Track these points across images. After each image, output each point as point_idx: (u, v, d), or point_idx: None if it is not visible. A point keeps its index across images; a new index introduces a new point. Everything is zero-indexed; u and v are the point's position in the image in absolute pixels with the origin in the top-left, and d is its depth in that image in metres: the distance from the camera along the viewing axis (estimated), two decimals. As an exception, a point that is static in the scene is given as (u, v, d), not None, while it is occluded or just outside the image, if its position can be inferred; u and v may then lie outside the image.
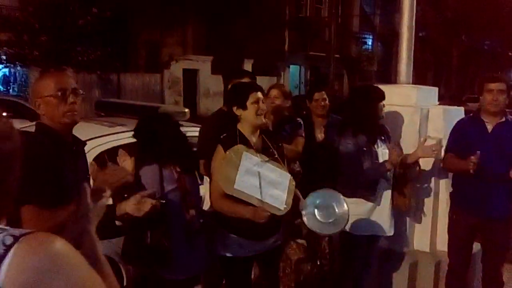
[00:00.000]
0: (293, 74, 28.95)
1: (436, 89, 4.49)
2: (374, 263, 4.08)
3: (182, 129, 5.02)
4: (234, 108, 3.16)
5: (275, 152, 3.19)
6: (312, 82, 28.20)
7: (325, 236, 4.02)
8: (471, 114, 3.95)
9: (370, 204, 3.74)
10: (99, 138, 4.25)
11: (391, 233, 3.89)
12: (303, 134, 4.32)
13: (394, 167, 3.67)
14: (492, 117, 3.76)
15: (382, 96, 3.74)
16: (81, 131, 4.64)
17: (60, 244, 1.17)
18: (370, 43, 30.77)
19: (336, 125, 4.69)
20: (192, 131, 5.27)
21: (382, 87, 4.16)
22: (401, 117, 4.15)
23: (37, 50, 15.20)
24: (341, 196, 3.33)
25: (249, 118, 3.12)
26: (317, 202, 3.28)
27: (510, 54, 36.48)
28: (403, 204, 3.84)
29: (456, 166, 3.81)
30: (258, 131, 3.20)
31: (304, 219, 3.26)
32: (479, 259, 4.13)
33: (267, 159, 3.10)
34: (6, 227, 1.19)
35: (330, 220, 3.26)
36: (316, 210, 3.26)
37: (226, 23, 20.61)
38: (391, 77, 27.50)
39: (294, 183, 3.14)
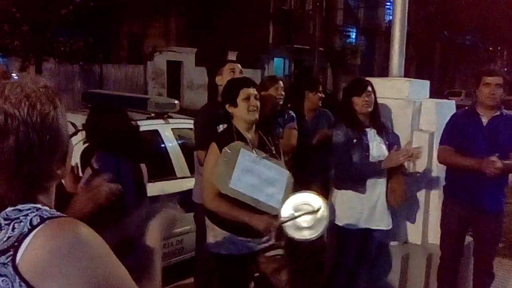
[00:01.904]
0: (277, 67, 28.91)
1: (428, 83, 4.49)
2: (369, 258, 4.05)
3: (171, 120, 5.01)
4: (227, 106, 3.10)
5: (272, 148, 3.14)
6: (296, 75, 28.19)
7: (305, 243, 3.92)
8: (466, 108, 3.96)
9: (361, 196, 3.71)
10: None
11: (388, 227, 3.85)
12: (296, 127, 4.29)
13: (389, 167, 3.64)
14: (487, 111, 3.78)
15: (360, 89, 3.70)
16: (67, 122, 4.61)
17: (83, 232, 1.16)
18: (354, 37, 30.86)
19: (323, 117, 4.70)
20: (181, 123, 5.24)
21: (374, 80, 4.15)
22: (393, 110, 4.14)
23: (18, 40, 14.91)
24: (319, 198, 3.12)
25: (241, 115, 3.05)
26: (295, 206, 3.07)
27: (491, 49, 36.93)
28: (394, 201, 3.81)
29: (459, 162, 3.79)
30: (254, 127, 3.13)
31: (283, 226, 3.05)
32: (470, 252, 4.17)
33: (264, 155, 3.05)
34: (41, 207, 1.20)
35: (310, 225, 3.06)
36: (295, 215, 3.05)
37: (210, 15, 20.46)
38: (374, 71, 27.64)
39: (292, 180, 3.09)
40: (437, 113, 4.19)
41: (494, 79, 3.69)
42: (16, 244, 1.14)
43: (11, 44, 14.85)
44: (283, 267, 3.17)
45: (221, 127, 3.23)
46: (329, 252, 4.26)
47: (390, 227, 3.87)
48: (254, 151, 3.01)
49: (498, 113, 3.79)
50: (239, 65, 3.90)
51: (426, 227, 4.26)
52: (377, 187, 3.74)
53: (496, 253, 4.07)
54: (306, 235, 3.07)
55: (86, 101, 5.27)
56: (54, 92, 1.25)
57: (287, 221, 3.01)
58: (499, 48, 37.44)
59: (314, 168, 4.41)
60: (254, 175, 2.97)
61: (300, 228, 3.05)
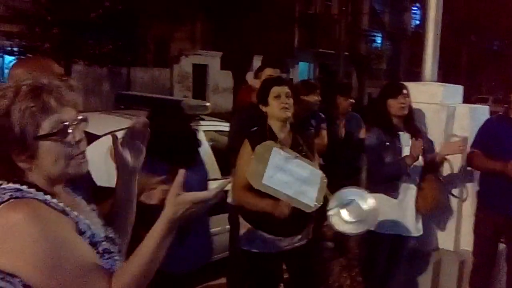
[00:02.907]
0: (302, 71, 28.89)
1: (461, 87, 4.46)
2: (401, 264, 4.02)
3: (201, 123, 5.06)
4: (260, 105, 3.17)
5: (305, 148, 3.16)
6: (321, 79, 28.16)
7: (352, 236, 3.96)
8: (500, 113, 3.93)
9: (393, 201, 3.67)
10: (123, 130, 4.25)
11: (419, 233, 3.82)
12: (326, 128, 4.35)
13: (415, 161, 3.62)
14: None
15: (397, 91, 3.70)
16: (103, 123, 4.68)
17: (29, 214, 1.27)
18: (379, 41, 30.67)
19: (353, 121, 4.72)
20: (212, 125, 5.29)
21: (407, 84, 4.14)
22: (427, 115, 4.12)
23: (48, 42, 15.20)
24: (368, 194, 3.22)
25: (273, 113, 3.10)
26: (343, 201, 3.16)
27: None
28: (424, 207, 3.77)
29: (488, 165, 3.76)
30: (288, 126, 3.17)
31: (330, 219, 3.15)
32: (502, 258, 4.11)
33: (297, 155, 3.07)
34: (24, 189, 1.34)
35: (357, 220, 3.14)
36: (342, 210, 3.15)
37: (236, 19, 20.55)
38: (399, 75, 27.42)
39: (326, 180, 3.11)
40: (471, 118, 4.16)
41: None
42: None
43: (42, 47, 15.14)
44: (330, 259, 3.25)
45: (254, 129, 3.25)
46: (361, 256, 4.25)
47: (421, 233, 3.84)
48: (286, 150, 3.04)
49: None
50: (278, 70, 3.91)
51: (458, 233, 4.22)
52: (409, 193, 3.71)
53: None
54: (352, 229, 3.12)
55: (119, 103, 5.36)
56: (20, 91, 1.33)
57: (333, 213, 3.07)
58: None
59: (345, 171, 4.43)
60: (286, 173, 2.99)
61: (346, 222, 3.10)
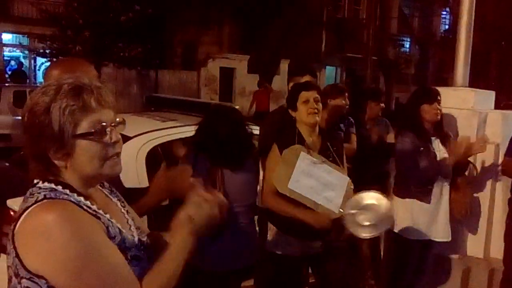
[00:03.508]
0: (329, 75, 28.79)
1: (493, 93, 4.41)
2: (428, 270, 3.99)
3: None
4: (290, 110, 3.21)
5: (334, 153, 3.17)
6: (348, 84, 27.98)
7: (366, 239, 3.93)
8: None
9: (425, 206, 3.66)
10: (153, 132, 4.31)
11: (448, 239, 3.79)
12: (355, 132, 4.34)
13: (456, 162, 3.59)
14: None
15: (432, 96, 3.68)
16: (134, 125, 4.76)
17: (62, 215, 1.27)
18: (407, 46, 30.41)
19: (383, 126, 4.69)
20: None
21: (440, 89, 4.11)
22: (459, 120, 4.08)
23: (79, 45, 15.49)
24: (384, 198, 3.13)
25: (301, 118, 3.13)
26: (358, 204, 3.09)
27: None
28: (459, 212, 3.75)
29: None
30: (317, 131, 3.18)
31: (345, 221, 3.09)
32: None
33: (324, 160, 3.08)
34: (58, 189, 1.35)
35: (371, 223, 3.07)
36: (357, 213, 3.07)
37: (263, 23, 20.61)
38: (427, 81, 27.09)
39: (352, 186, 3.11)
40: (503, 124, 4.11)
41: None
42: (19, 215, 1.30)
43: (73, 49, 15.44)
44: (344, 261, 3.24)
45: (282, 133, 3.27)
46: (388, 261, 4.23)
47: (450, 239, 3.81)
48: (313, 155, 3.05)
49: None
50: (315, 80, 3.91)
51: (489, 240, 4.17)
52: (442, 198, 3.69)
53: None
54: (366, 232, 3.09)
55: (149, 105, 5.43)
56: (61, 90, 1.34)
57: (348, 216, 3.04)
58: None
59: (373, 176, 4.41)
60: (313, 178, 3.01)
61: (361, 226, 3.07)
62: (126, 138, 4.16)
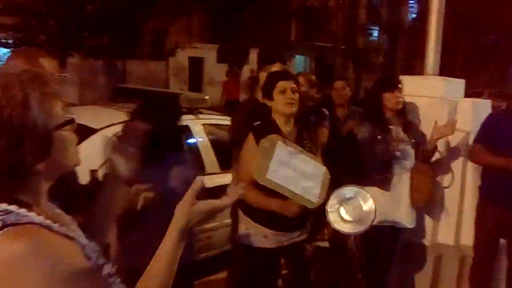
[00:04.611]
0: (299, 64, 28.80)
1: (463, 82, 4.42)
2: (396, 256, 4.02)
3: (201, 116, 5.00)
4: (265, 99, 3.14)
5: (310, 143, 3.13)
6: (317, 72, 27.97)
7: (350, 236, 3.94)
8: (504, 108, 3.91)
9: (387, 194, 3.69)
10: (121, 124, 4.20)
11: (413, 225, 3.83)
12: (328, 125, 4.29)
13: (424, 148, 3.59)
14: None
15: (393, 85, 3.70)
16: (100, 117, 4.62)
17: (34, 245, 1.07)
18: (376, 35, 30.58)
19: (356, 116, 4.67)
20: (211, 118, 5.24)
21: (408, 78, 4.13)
22: (429, 109, 4.08)
23: (44, 35, 15.05)
24: (367, 193, 3.17)
25: (278, 108, 3.08)
26: (342, 199, 3.12)
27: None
28: (419, 199, 3.77)
29: (494, 161, 3.73)
30: (292, 121, 3.13)
31: (328, 216, 3.10)
32: (503, 254, 4.09)
33: (301, 149, 3.04)
34: (13, 210, 1.12)
35: (355, 219, 3.10)
36: (341, 208, 3.11)
37: (232, 12, 20.45)
38: (396, 69, 27.39)
39: (329, 176, 3.08)
40: (474, 112, 4.13)
41: None
42: None
43: (38, 39, 14.99)
44: (328, 259, 3.21)
45: (257, 123, 3.20)
46: (359, 250, 4.23)
47: (414, 225, 3.83)
48: (290, 145, 3.01)
49: (537, 113, 3.73)
50: (286, 67, 3.85)
51: (459, 228, 4.20)
52: (401, 185, 3.71)
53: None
54: (351, 228, 3.08)
55: (118, 96, 5.30)
56: (33, 78, 1.17)
57: (331, 211, 3.01)
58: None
59: (344, 167, 4.38)
60: (290, 168, 2.97)
61: (345, 221, 3.05)
62: (91, 131, 4.08)
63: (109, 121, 4.19)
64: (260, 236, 3.11)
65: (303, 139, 3.13)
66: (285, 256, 3.32)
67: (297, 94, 3.07)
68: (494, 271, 4.02)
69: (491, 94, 23.27)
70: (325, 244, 3.70)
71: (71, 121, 1.24)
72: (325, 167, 3.09)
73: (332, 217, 3.08)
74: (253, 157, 2.98)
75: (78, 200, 2.13)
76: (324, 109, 4.38)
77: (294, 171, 2.96)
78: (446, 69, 4.38)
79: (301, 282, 3.33)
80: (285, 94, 3.03)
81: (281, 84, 3.05)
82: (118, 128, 3.96)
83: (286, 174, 2.94)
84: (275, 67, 3.72)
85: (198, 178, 1.41)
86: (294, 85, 3.09)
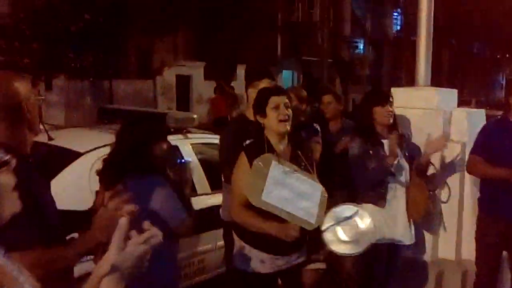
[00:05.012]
0: (286, 79, 28.83)
1: (455, 91, 4.36)
2: (397, 273, 3.90)
3: (189, 135, 4.87)
4: (257, 116, 3.01)
5: (305, 162, 3.00)
6: (304, 86, 27.91)
7: (348, 257, 3.80)
8: (499, 117, 3.83)
9: (382, 210, 3.56)
10: (107, 146, 4.05)
11: (411, 242, 3.72)
12: (320, 141, 4.17)
13: (395, 158, 3.50)
14: None
15: (384, 99, 3.61)
16: (85, 140, 4.48)
17: None
18: (361, 47, 30.79)
19: (349, 130, 4.57)
20: (200, 137, 5.11)
21: (400, 90, 4.05)
22: (422, 120, 4.00)
23: (27, 57, 14.89)
24: (365, 211, 3.05)
25: (271, 125, 2.94)
26: (338, 218, 2.97)
27: (498, 57, 36.76)
28: (416, 212, 3.68)
29: (492, 172, 3.64)
30: (286, 138, 3.01)
31: (324, 237, 2.95)
32: (505, 266, 3.99)
33: (296, 168, 2.91)
34: None
35: (353, 239, 2.96)
36: (337, 228, 2.96)
37: (217, 29, 20.45)
38: (382, 81, 27.54)
39: (326, 195, 2.95)
40: (468, 122, 4.06)
41: None
42: None
43: (21, 62, 14.82)
44: (325, 281, 3.06)
45: (248, 141, 3.07)
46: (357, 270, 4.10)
47: (413, 241, 3.72)
48: (285, 164, 2.88)
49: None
50: (274, 82, 3.74)
51: (460, 242, 4.10)
52: (397, 200, 3.61)
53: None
54: (348, 249, 2.94)
55: (102, 118, 5.16)
56: None
57: (327, 232, 2.88)
58: (507, 55, 37.20)
59: (338, 183, 4.27)
60: (286, 189, 2.84)
61: (341, 242, 2.91)
62: (76, 155, 3.94)
63: (94, 144, 4.04)
64: (257, 261, 2.96)
65: (298, 157, 3.00)
66: (283, 281, 3.17)
67: (290, 110, 2.95)
68: (498, 285, 3.91)
69: (478, 103, 23.46)
70: (322, 265, 3.53)
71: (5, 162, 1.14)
72: (321, 186, 2.97)
73: (327, 237, 2.94)
74: (246, 177, 2.84)
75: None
76: (315, 124, 4.26)
77: (290, 192, 2.84)
78: (432, 80, 4.30)
79: None
80: (278, 110, 2.91)
81: (274, 100, 2.93)
82: (104, 151, 3.86)
83: (282, 195, 2.81)
84: (264, 83, 3.61)
85: (122, 220, 1.32)
86: (287, 101, 2.96)
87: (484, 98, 29.60)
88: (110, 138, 4.21)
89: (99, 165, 2.83)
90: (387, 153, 3.57)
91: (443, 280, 4.06)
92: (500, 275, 3.93)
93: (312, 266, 3.41)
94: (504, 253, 3.92)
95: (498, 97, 30.37)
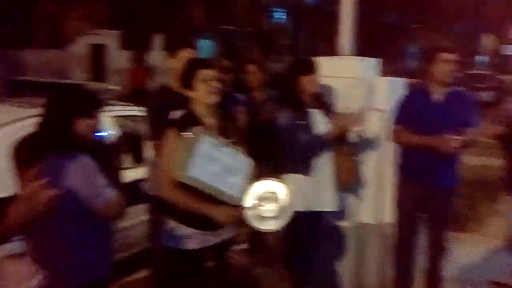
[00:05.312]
0: (205, 49, 28.46)
1: (379, 60, 4.42)
2: (321, 241, 3.97)
3: (109, 107, 4.66)
4: (185, 89, 2.91)
5: (234, 134, 2.95)
6: (224, 56, 27.71)
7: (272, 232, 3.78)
8: (419, 85, 3.94)
9: (309, 179, 3.61)
10: (19, 122, 3.77)
11: (337, 209, 3.79)
12: (244, 111, 4.13)
13: (335, 136, 3.55)
14: (441, 88, 3.78)
15: (310, 67, 3.61)
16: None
17: None
18: (283, 17, 30.86)
19: (273, 100, 4.55)
20: (120, 110, 4.91)
21: (325, 59, 4.05)
22: (346, 89, 4.05)
23: None
24: (284, 186, 2.95)
25: (199, 98, 2.86)
26: (258, 195, 2.88)
27: (413, 26, 38.13)
28: (343, 181, 3.76)
29: (414, 140, 3.76)
30: (214, 111, 2.93)
31: (246, 215, 2.86)
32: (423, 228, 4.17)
33: (225, 142, 2.85)
34: None
35: (275, 215, 2.89)
36: (258, 205, 2.87)
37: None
38: (303, 50, 27.87)
39: (254, 168, 2.91)
40: (390, 91, 4.16)
41: (452, 56, 3.69)
42: None
43: None
44: (250, 261, 3.01)
45: (174, 114, 2.97)
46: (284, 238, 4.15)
47: (339, 208, 3.81)
48: (214, 137, 2.81)
49: (451, 89, 3.80)
50: (196, 52, 3.62)
51: (380, 207, 4.23)
52: (324, 168, 3.66)
53: (450, 228, 4.10)
54: (271, 225, 2.92)
55: (13, 91, 4.82)
56: None
57: (249, 209, 2.83)
58: (421, 25, 38.65)
59: (265, 154, 4.27)
60: (214, 163, 2.77)
61: (264, 219, 2.88)
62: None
63: (4, 120, 3.76)
64: (184, 237, 2.89)
65: (226, 130, 2.94)
66: (212, 256, 3.11)
67: (219, 83, 2.88)
68: (416, 246, 4.10)
69: (393, 72, 24.34)
70: (246, 245, 3.46)
71: None
72: (250, 160, 2.92)
73: (249, 215, 2.85)
74: (174, 152, 2.75)
75: None
76: (237, 94, 4.21)
77: (219, 166, 2.77)
78: (366, 50, 4.36)
79: (225, 285, 3.17)
80: (207, 82, 2.83)
81: (203, 73, 2.85)
82: (16, 127, 3.59)
83: (210, 170, 2.74)
84: (185, 53, 3.49)
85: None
86: (216, 73, 2.89)
87: (399, 67, 30.77)
88: (21, 112, 3.96)
89: (13, 143, 2.58)
90: (315, 121, 3.58)
91: (365, 244, 4.20)
92: (418, 237, 4.12)
93: (236, 247, 3.36)
94: (421, 215, 4.11)
95: (413, 66, 31.65)
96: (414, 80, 4.48)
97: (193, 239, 2.89)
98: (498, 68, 21.50)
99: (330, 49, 4.61)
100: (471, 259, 4.85)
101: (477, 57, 24.81)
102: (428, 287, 4.08)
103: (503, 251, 4.67)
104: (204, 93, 2.83)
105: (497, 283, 4.31)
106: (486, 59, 25.41)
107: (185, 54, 3.40)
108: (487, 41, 25.82)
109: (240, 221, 2.87)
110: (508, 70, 17.27)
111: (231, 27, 25.98)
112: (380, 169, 4.19)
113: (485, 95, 18.92)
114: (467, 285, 4.38)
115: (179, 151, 2.73)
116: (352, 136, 3.86)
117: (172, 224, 2.91)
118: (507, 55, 17.57)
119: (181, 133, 2.75)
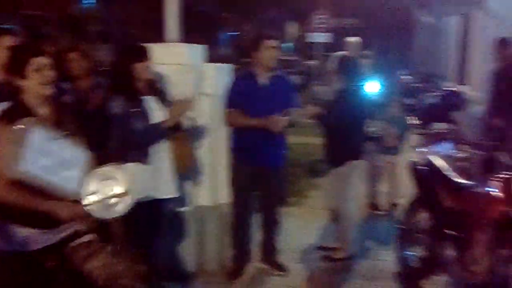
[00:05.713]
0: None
1: (205, 47, 4.52)
2: (162, 226, 4.00)
3: None
4: (14, 78, 2.68)
5: (70, 126, 2.80)
6: (27, 43, 25.52)
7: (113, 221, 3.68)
8: (245, 70, 4.17)
9: (148, 167, 3.59)
10: None
11: (176, 195, 3.82)
12: (67, 100, 3.95)
13: (170, 123, 3.59)
14: (266, 72, 4.06)
15: (143, 54, 3.59)
16: None
17: None
18: (93, 1, 29.46)
19: (101, 88, 4.42)
20: None
21: (154, 46, 4.03)
22: (174, 76, 4.07)
23: None
24: (124, 172, 2.88)
25: (33, 88, 2.67)
26: (96, 184, 2.76)
27: (223, 15, 39.38)
28: (182, 167, 3.83)
29: (246, 123, 3.98)
30: (47, 102, 2.76)
31: (86, 206, 2.72)
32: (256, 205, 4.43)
33: (60, 134, 2.69)
34: None
35: (114, 202, 2.79)
36: (98, 193, 2.75)
37: None
38: (117, 37, 27.02)
39: (89, 160, 2.80)
40: (218, 76, 4.31)
41: (276, 42, 4.02)
42: None
43: None
44: (96, 252, 2.90)
45: (1, 105, 2.71)
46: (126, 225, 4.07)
47: (178, 194, 3.87)
48: (47, 129, 2.64)
49: (275, 73, 4.10)
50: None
51: (216, 188, 4.39)
52: (162, 155, 3.67)
53: (280, 203, 4.44)
54: (112, 213, 2.84)
55: None
56: None
57: (88, 201, 2.73)
58: (231, 14, 40.06)
59: (96, 144, 4.12)
60: (48, 156, 2.60)
61: (109, 206, 2.79)
62: None
63: None
64: (21, 238, 2.68)
65: (61, 121, 2.78)
66: (53, 256, 2.92)
67: (53, 72, 2.70)
68: (251, 222, 4.36)
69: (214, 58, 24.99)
70: (90, 237, 3.30)
71: None
72: (86, 151, 2.81)
73: (90, 207, 2.72)
74: (3, 146, 2.53)
75: None
76: (61, 83, 3.98)
77: (53, 159, 2.61)
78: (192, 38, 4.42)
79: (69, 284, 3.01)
80: (42, 72, 2.65)
81: (36, 61, 2.65)
82: None
83: (44, 164, 2.57)
84: (5, 40, 3.21)
85: None
86: (50, 61, 2.71)
87: (218, 53, 31.54)
88: None
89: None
90: (150, 109, 3.56)
91: (204, 225, 4.33)
92: (252, 213, 4.38)
93: (80, 240, 3.20)
94: (254, 193, 4.36)
95: (225, 52, 32.69)
96: (237, 66, 4.69)
97: (31, 239, 2.70)
98: (303, 54, 23.38)
99: (147, 36, 4.57)
100: (299, 230, 5.27)
101: (284, 44, 26.69)
102: (265, 259, 4.38)
103: (325, 221, 5.16)
104: (37, 83, 2.65)
105: (324, 248, 4.78)
106: (291, 45, 27.47)
107: (6, 41, 3.12)
108: (292, 28, 27.84)
109: (81, 215, 2.75)
110: (312, 56, 18.92)
111: (36, 12, 24.10)
112: (214, 152, 4.33)
113: (294, 79, 20.41)
114: (298, 253, 4.77)
115: (8, 145, 2.52)
116: (187, 123, 3.93)
117: (5, 225, 2.68)
118: (311, 42, 19.19)
119: (10, 126, 2.54)
